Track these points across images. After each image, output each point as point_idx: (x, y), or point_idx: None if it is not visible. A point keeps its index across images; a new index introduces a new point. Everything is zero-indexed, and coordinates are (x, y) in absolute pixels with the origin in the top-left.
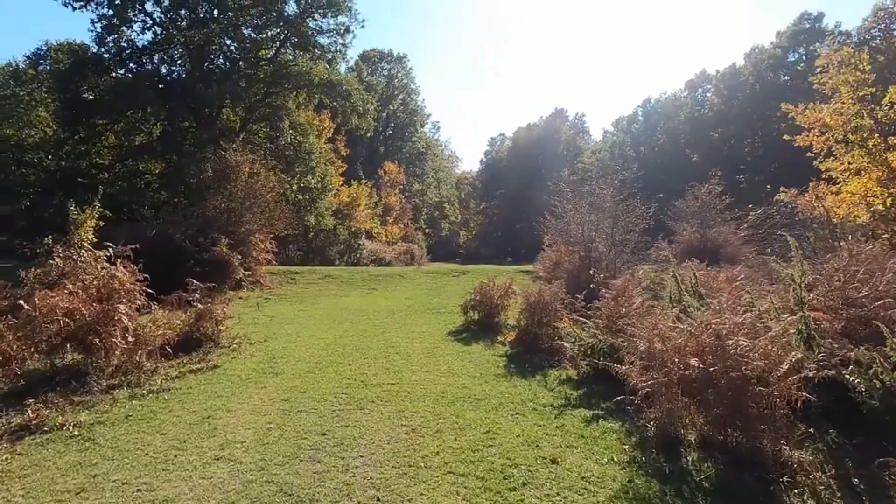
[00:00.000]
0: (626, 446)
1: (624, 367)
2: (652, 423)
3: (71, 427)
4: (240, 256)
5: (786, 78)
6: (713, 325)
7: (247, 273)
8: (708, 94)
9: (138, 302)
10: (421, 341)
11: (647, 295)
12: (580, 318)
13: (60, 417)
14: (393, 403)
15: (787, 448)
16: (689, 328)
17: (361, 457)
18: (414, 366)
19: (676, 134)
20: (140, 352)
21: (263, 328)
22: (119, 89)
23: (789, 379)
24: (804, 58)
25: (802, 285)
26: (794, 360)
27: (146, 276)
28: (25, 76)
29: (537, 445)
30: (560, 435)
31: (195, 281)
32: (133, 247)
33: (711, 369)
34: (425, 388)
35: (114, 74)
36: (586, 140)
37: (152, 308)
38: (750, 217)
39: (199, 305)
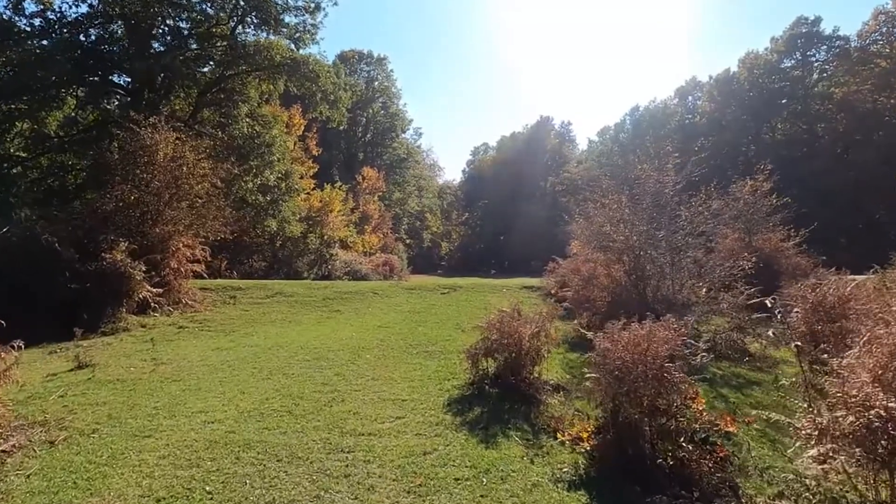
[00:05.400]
0: None
1: None
2: None
3: None
4: (144, 268)
5: (782, 84)
6: None
7: (155, 291)
8: (699, 102)
9: None
10: (399, 431)
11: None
12: (774, 415)
13: None
14: None
15: None
16: None
17: None
18: None
19: (666, 142)
20: None
21: (122, 392)
22: (29, 61)
23: None
24: (801, 63)
25: None
26: None
27: None
28: None
29: None
30: None
31: None
32: None
33: None
34: None
35: (28, 47)
36: (572, 149)
37: None
38: None
39: None
